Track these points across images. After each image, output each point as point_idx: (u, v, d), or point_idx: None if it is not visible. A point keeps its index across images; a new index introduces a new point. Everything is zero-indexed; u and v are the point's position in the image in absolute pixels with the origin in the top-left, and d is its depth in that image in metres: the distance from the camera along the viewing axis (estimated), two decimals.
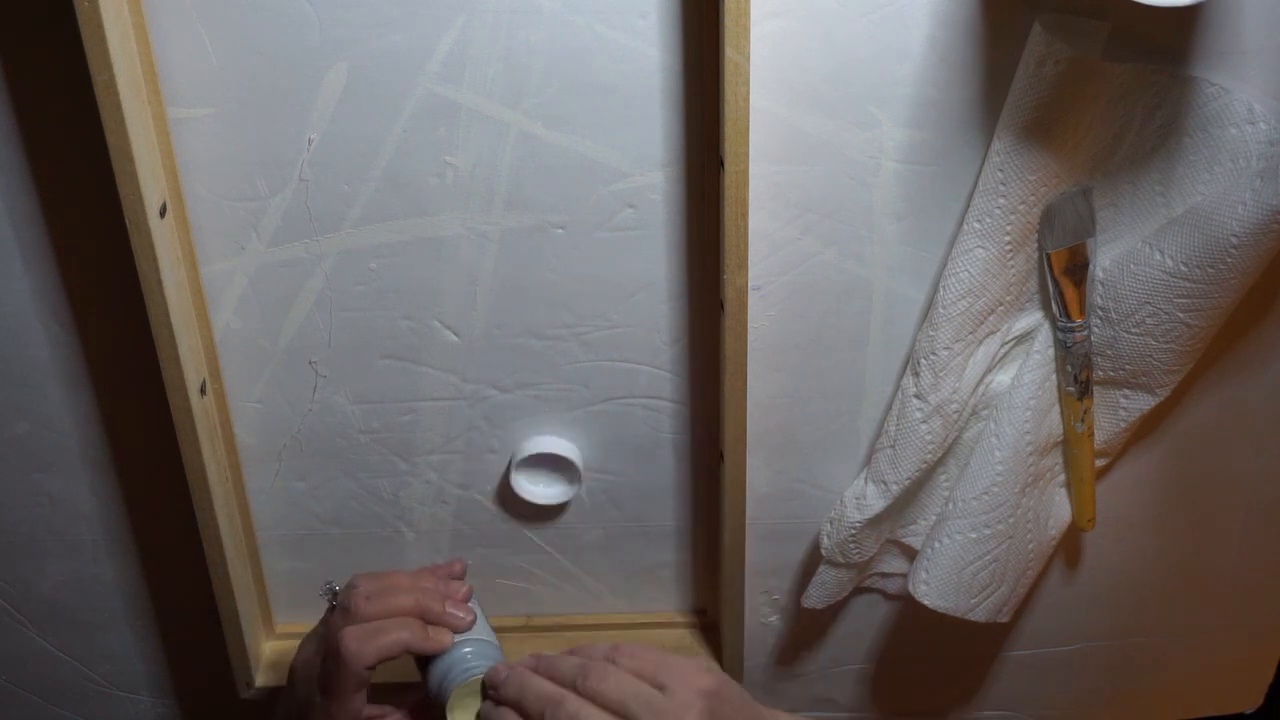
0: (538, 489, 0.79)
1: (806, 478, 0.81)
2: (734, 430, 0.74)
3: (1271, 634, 0.90)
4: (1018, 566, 0.79)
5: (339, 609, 0.66)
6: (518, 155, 0.69)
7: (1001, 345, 0.74)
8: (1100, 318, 0.73)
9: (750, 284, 0.72)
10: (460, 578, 0.71)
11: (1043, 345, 0.74)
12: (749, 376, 0.73)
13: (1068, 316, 0.72)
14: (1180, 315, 0.70)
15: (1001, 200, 0.68)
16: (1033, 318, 0.74)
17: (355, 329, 0.75)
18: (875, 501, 0.76)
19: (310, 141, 0.69)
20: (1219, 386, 0.79)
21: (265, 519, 0.82)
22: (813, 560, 0.83)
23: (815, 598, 0.82)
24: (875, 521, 0.78)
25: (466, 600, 0.68)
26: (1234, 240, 0.66)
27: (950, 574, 0.77)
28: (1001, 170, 0.67)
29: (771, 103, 0.67)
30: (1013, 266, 0.71)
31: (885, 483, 0.76)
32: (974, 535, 0.76)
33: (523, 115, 0.68)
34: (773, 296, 0.73)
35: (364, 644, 0.63)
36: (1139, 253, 0.70)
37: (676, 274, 0.73)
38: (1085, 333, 0.73)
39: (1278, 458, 0.82)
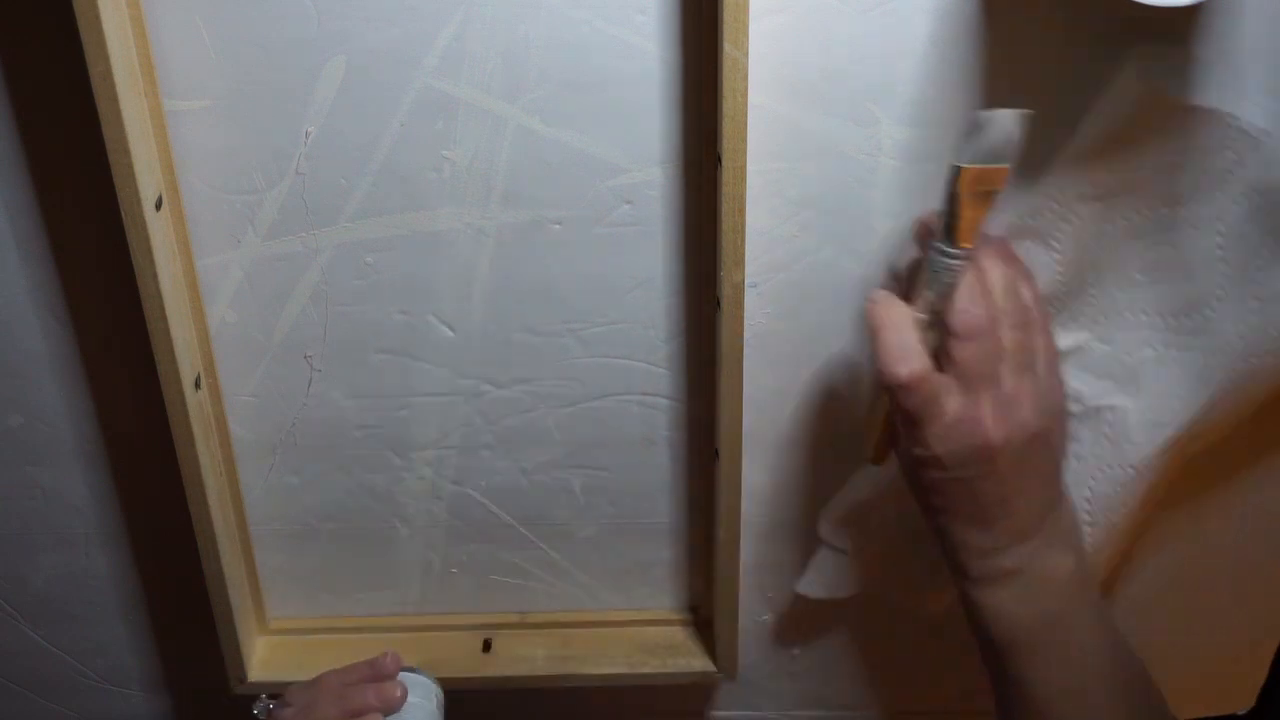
0: None
1: (802, 476, 0.80)
2: (729, 427, 0.74)
3: (1264, 635, 0.90)
4: None
5: None
6: (515, 150, 0.69)
7: None
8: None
9: (747, 281, 0.72)
10: (392, 674, 0.73)
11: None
12: (746, 373, 0.73)
13: (952, 240, 0.63)
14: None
15: (1054, 205, 0.67)
16: (1077, 337, 0.73)
17: (351, 323, 0.75)
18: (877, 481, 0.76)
19: (307, 135, 0.68)
20: None
21: (259, 514, 0.82)
22: (807, 558, 0.83)
23: (810, 584, 0.81)
24: (877, 508, 0.77)
25: (393, 691, 0.71)
26: None
27: None
28: (1058, 182, 0.67)
29: (770, 99, 0.67)
30: (1060, 279, 0.70)
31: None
32: None
33: (521, 110, 0.68)
34: (770, 294, 0.73)
35: None
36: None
37: (674, 270, 0.73)
38: (961, 264, 0.64)
39: (1273, 460, 0.82)
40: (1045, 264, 0.69)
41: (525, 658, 0.85)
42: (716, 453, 0.75)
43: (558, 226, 0.71)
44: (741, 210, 0.66)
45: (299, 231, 0.71)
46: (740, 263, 0.68)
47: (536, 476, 0.81)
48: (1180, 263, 0.69)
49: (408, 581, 0.86)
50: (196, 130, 0.68)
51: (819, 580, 0.81)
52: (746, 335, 0.73)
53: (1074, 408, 0.74)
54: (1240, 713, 0.95)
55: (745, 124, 0.64)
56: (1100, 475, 0.73)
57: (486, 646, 0.86)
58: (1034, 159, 0.68)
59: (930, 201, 0.70)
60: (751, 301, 0.73)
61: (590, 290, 0.73)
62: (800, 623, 0.88)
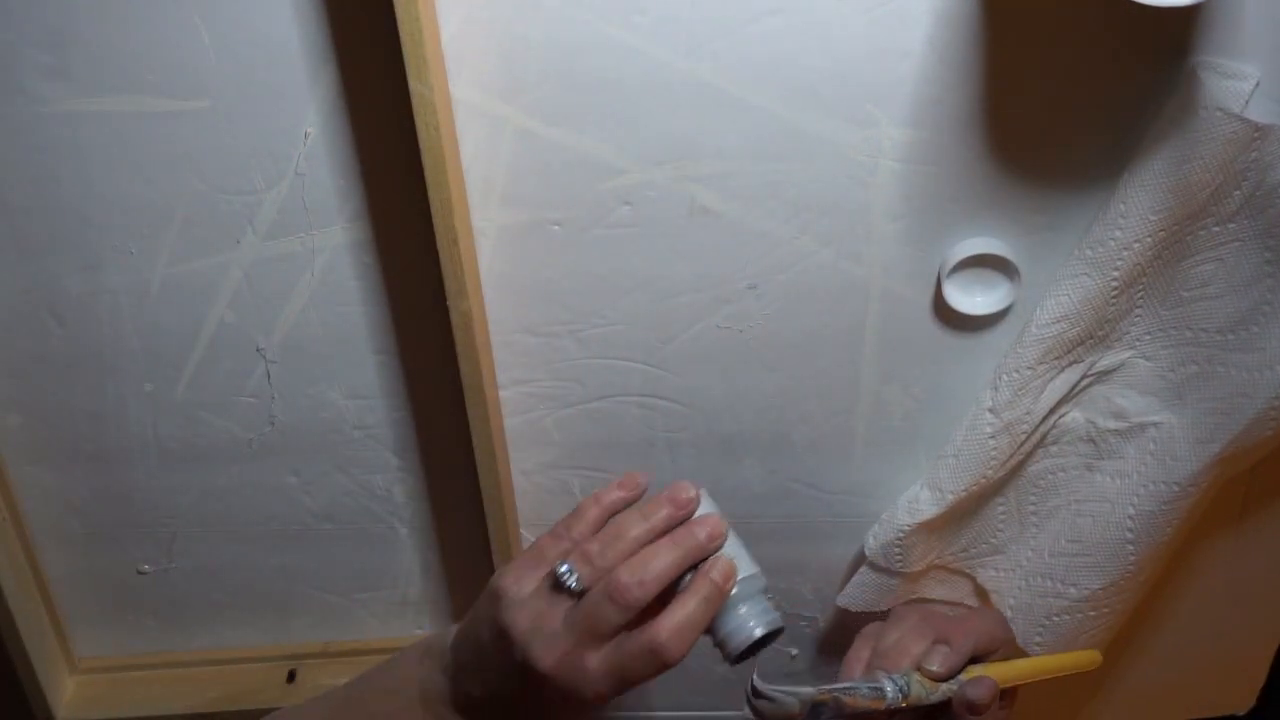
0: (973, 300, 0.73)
1: (801, 477, 0.80)
2: (482, 434, 0.73)
3: (1264, 636, 0.90)
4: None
5: (600, 602, 0.55)
6: (515, 151, 0.69)
7: (1083, 377, 0.73)
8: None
9: (746, 282, 0.71)
10: (692, 505, 0.59)
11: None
12: (745, 374, 0.74)
13: None
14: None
15: (1118, 233, 0.67)
16: (1120, 355, 0.73)
17: (349, 324, 0.75)
18: (927, 508, 0.76)
19: (307, 135, 0.68)
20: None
21: (259, 513, 0.82)
22: (805, 558, 0.83)
23: (851, 598, 0.81)
24: (924, 532, 0.77)
25: (721, 527, 0.58)
26: None
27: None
28: (1124, 203, 0.66)
29: (769, 100, 0.67)
30: (1114, 304, 0.69)
31: (941, 490, 0.75)
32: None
33: (520, 110, 0.67)
34: (769, 295, 0.73)
35: (683, 637, 0.55)
36: None
37: (674, 271, 0.73)
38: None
39: (1271, 459, 0.82)
40: (1100, 292, 0.69)
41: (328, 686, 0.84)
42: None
43: (557, 228, 0.71)
44: (455, 242, 0.66)
45: (299, 231, 0.71)
46: (463, 292, 0.67)
47: (536, 477, 0.81)
48: (1226, 278, 0.68)
49: (409, 581, 0.86)
50: (196, 130, 0.68)
51: (860, 595, 0.81)
52: (746, 337, 0.73)
53: (1117, 424, 0.74)
54: (1240, 713, 0.95)
55: (443, 159, 0.63)
56: (1144, 492, 0.73)
57: (290, 678, 0.85)
58: (1091, 184, 0.68)
59: (929, 203, 0.70)
60: (751, 303, 0.73)
61: (589, 291, 0.73)
62: (797, 623, 0.88)
